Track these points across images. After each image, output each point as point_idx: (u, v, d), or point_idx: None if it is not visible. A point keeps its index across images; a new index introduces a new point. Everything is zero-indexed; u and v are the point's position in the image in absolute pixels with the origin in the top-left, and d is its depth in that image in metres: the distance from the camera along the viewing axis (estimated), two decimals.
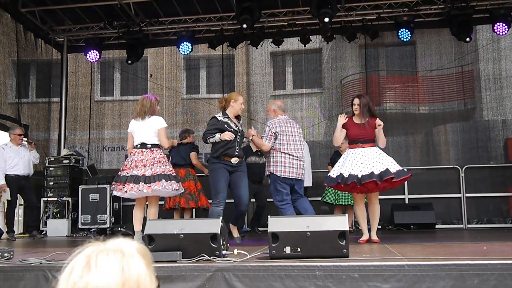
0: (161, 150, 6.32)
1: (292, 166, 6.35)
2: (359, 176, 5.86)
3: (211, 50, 11.07)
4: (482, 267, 3.51)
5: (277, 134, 6.38)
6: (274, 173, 6.36)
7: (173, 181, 6.15)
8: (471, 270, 3.50)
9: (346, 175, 5.96)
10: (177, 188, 6.22)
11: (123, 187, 6.14)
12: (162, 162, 6.22)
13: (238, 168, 6.25)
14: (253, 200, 8.99)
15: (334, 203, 8.81)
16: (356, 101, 6.29)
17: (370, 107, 6.30)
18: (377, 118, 6.19)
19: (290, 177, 6.35)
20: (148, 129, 6.23)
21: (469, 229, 9.90)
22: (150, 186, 6.01)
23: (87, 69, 12.37)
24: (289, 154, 6.36)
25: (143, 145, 6.24)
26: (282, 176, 6.33)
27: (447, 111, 12.28)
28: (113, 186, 6.32)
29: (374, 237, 6.16)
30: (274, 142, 6.38)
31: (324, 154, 11.24)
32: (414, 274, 3.55)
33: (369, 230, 6.37)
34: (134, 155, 6.25)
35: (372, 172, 5.83)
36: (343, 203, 8.73)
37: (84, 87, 12.38)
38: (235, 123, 6.37)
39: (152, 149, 6.22)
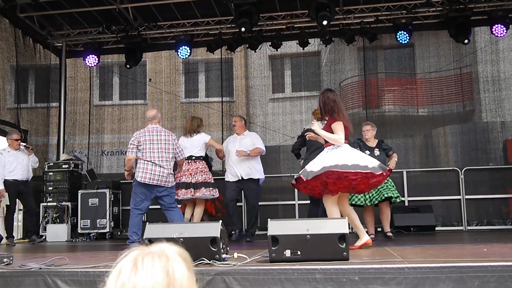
0: (203, 161, 8.06)
1: (153, 172, 6.62)
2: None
3: (210, 54, 11.08)
4: (482, 269, 3.50)
5: (139, 143, 6.68)
6: (136, 178, 6.66)
7: (210, 188, 7.95)
8: (472, 272, 3.49)
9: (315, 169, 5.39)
10: (214, 194, 8.05)
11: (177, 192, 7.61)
12: (204, 171, 7.96)
13: None
14: None
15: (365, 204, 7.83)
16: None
17: (326, 104, 5.76)
18: (315, 124, 5.69)
19: (149, 183, 6.60)
20: (195, 144, 8.02)
21: (469, 231, 9.89)
22: (195, 191, 7.83)
23: (85, 74, 12.36)
24: (151, 162, 6.62)
25: (189, 157, 7.88)
26: (141, 181, 6.59)
27: (446, 113, 12.28)
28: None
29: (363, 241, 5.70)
30: (138, 151, 6.69)
31: None
32: (415, 276, 3.54)
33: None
34: (186, 164, 7.79)
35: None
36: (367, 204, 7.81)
37: (83, 92, 12.37)
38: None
39: (196, 160, 7.98)
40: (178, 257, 1.32)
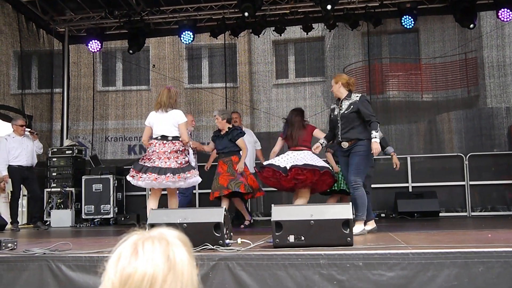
0: (180, 142, 6.21)
1: None
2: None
3: (213, 39, 11.02)
4: (487, 255, 3.49)
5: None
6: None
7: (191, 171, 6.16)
8: (476, 258, 3.48)
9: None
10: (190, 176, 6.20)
11: (142, 175, 6.03)
12: (183, 154, 6.20)
13: (350, 150, 5.95)
14: None
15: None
16: None
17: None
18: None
19: None
20: (169, 122, 6.17)
21: (473, 217, 9.89)
22: (179, 176, 6.02)
23: (89, 60, 12.32)
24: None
25: (164, 137, 6.15)
26: None
27: (451, 98, 12.20)
28: (131, 173, 6.16)
29: None
30: None
31: None
32: (419, 262, 3.53)
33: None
34: (155, 146, 6.14)
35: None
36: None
37: (86, 78, 12.34)
38: (340, 107, 6.05)
39: (174, 141, 6.15)
40: (178, 242, 1.30)
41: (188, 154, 6.64)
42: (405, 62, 13.25)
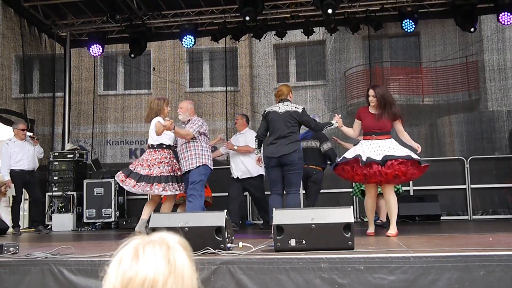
0: (164, 151, 6.69)
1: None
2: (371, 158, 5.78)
3: (214, 43, 11.04)
4: (488, 259, 3.50)
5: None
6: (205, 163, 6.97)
7: (173, 183, 6.60)
8: (477, 262, 3.49)
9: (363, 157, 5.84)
10: (177, 189, 6.68)
11: (125, 180, 6.64)
12: (163, 162, 6.60)
13: None
14: None
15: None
16: (371, 92, 6.19)
17: (386, 98, 6.23)
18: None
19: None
20: (151, 131, 6.69)
21: (474, 220, 9.87)
22: (152, 185, 6.50)
23: (90, 64, 12.35)
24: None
25: (150, 146, 6.76)
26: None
27: (452, 102, 12.21)
28: (120, 177, 6.69)
29: (392, 231, 5.81)
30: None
31: None
32: (420, 265, 3.54)
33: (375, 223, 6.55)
34: (145, 153, 6.81)
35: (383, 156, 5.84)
36: None
37: (88, 82, 12.36)
38: None
39: (156, 150, 6.68)
40: (179, 246, 1.32)
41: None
42: (406, 66, 13.27)
